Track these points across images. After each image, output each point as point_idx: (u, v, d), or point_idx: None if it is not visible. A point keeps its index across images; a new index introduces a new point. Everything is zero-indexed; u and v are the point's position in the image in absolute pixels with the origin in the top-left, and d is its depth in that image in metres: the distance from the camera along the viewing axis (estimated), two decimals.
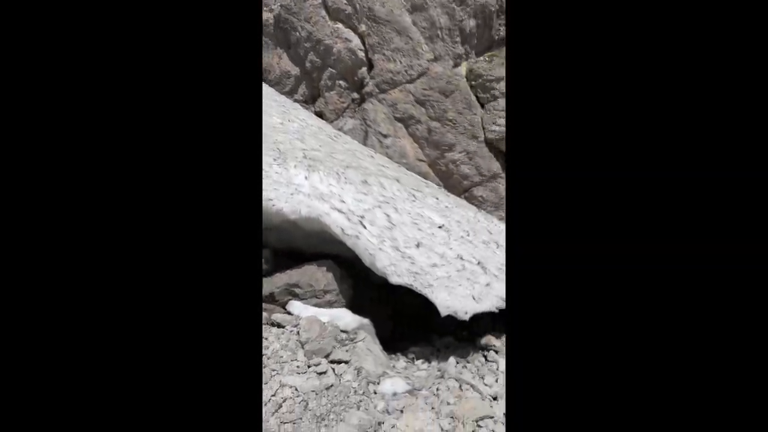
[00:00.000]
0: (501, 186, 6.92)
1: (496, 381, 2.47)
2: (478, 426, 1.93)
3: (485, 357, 2.84)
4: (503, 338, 3.08)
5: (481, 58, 6.30)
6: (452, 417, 1.97)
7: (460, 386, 2.30)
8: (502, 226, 4.81)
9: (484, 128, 6.54)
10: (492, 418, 2.01)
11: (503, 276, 3.07)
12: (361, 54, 6.66)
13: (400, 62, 6.43)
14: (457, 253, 3.17)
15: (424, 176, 6.88)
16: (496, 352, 2.93)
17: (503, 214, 6.89)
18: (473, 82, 6.35)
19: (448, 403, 2.07)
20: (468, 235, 3.53)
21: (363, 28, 6.51)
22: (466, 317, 2.48)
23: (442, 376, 2.39)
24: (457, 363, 2.64)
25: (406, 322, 3.49)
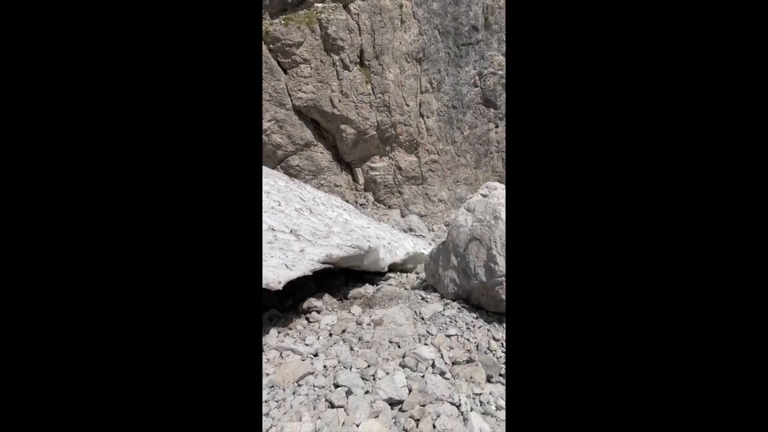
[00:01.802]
0: (316, 154, 7.04)
1: (318, 338, 2.60)
2: (298, 385, 2.00)
3: (307, 319, 2.94)
4: (324, 298, 3.25)
5: (277, 20, 6.01)
6: (272, 386, 1.97)
7: (281, 354, 2.32)
8: (316, 192, 4.94)
9: (290, 95, 6.40)
10: (312, 373, 2.11)
11: (316, 240, 3.18)
12: None
13: None
14: (268, 225, 3.09)
15: None
16: (318, 312, 3.07)
17: (321, 182, 7.08)
18: (272, 46, 6.05)
19: (267, 374, 2.06)
20: (279, 205, 3.48)
21: None
22: (280, 286, 2.47)
23: (262, 350, 2.36)
24: (279, 333, 2.64)
25: None
